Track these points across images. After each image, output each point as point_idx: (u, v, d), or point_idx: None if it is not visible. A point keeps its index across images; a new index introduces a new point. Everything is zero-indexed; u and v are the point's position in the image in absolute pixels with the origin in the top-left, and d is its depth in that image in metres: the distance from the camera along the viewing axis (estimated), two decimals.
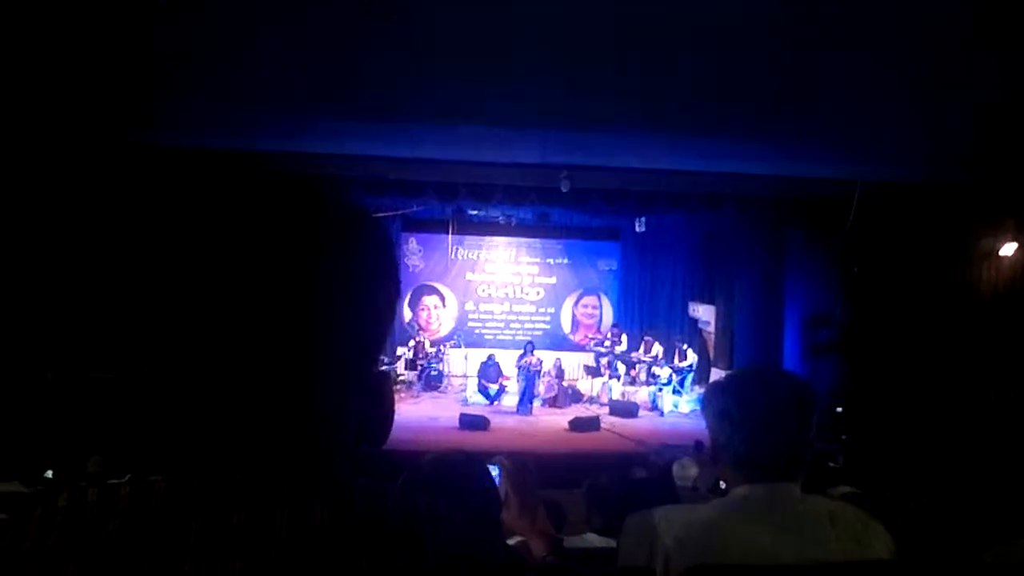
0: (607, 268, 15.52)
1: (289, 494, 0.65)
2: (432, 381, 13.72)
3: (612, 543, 3.18)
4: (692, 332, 14.98)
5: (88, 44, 5.43)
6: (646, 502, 1.68)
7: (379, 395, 0.77)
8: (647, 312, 15.54)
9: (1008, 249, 9.56)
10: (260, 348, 0.67)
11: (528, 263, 15.34)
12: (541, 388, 13.06)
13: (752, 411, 1.60)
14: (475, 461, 1.90)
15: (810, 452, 1.64)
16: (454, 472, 1.81)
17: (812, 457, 1.64)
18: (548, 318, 15.42)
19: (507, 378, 13.29)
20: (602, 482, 3.54)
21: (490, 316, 15.35)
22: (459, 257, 15.15)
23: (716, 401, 1.68)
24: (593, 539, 3.23)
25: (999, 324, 9.21)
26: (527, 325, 15.29)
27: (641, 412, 12.60)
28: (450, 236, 14.64)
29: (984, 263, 9.79)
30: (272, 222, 0.70)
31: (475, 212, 12.84)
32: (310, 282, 0.69)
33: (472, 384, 13.48)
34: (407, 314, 14.92)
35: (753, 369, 2.12)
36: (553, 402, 12.99)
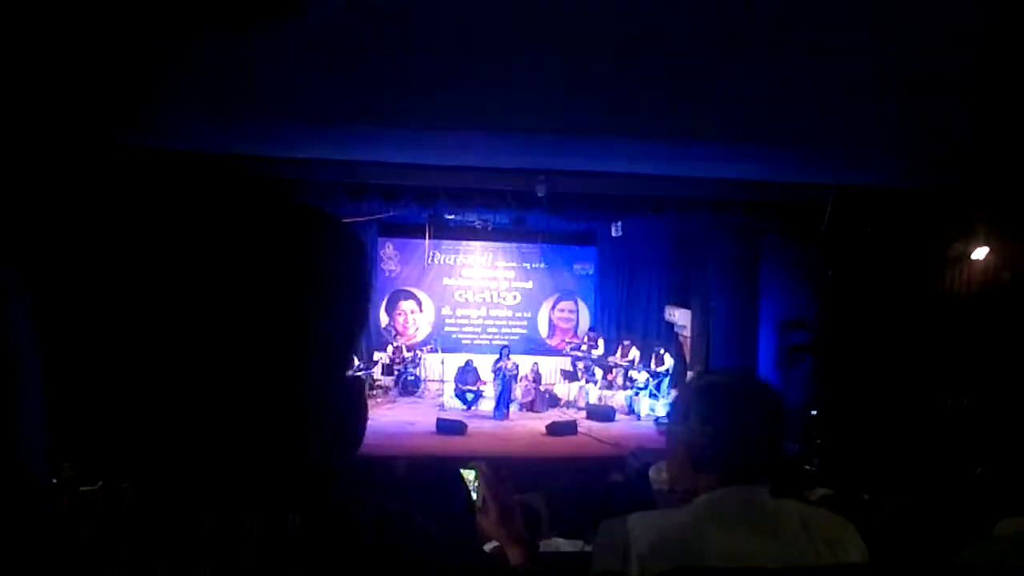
0: (584, 272, 15.53)
1: (262, 501, 0.64)
2: (409, 386, 13.68)
3: (579, 546, 3.19)
4: (668, 336, 15.03)
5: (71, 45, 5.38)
6: (607, 506, 1.69)
7: (352, 400, 0.77)
8: (624, 316, 15.57)
9: (980, 253, 9.67)
10: (233, 354, 0.67)
11: (505, 267, 15.32)
12: (518, 393, 13.06)
13: (720, 413, 1.61)
14: (449, 467, 1.89)
15: (777, 455, 1.65)
16: (428, 479, 1.80)
17: (780, 460, 1.66)
18: (525, 323, 15.41)
19: (484, 383, 13.27)
20: (562, 487, 3.57)
21: (467, 321, 15.31)
22: (436, 262, 15.10)
23: (685, 403, 1.69)
24: (560, 543, 3.24)
25: (971, 327, 9.31)
26: (504, 330, 15.27)
27: (618, 416, 12.64)
28: (427, 241, 14.61)
29: (957, 267, 9.89)
30: (246, 230, 0.69)
31: (452, 217, 12.82)
32: (282, 288, 0.68)
33: (449, 389, 13.46)
34: (384, 319, 14.87)
35: (721, 372, 2.14)
36: (530, 406, 12.99)
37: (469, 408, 12.90)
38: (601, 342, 14.32)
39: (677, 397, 1.75)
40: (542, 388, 13.53)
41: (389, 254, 15.00)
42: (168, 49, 5.52)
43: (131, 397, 0.70)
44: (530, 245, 15.08)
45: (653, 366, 13.53)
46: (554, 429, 11.37)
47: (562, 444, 10.89)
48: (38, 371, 0.57)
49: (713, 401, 1.64)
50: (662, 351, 13.78)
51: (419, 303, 15.20)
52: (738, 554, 1.49)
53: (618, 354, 14.02)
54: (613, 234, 12.41)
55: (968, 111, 6.22)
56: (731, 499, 1.59)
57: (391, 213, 11.96)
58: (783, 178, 9.24)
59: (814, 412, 9.56)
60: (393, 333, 14.72)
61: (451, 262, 15.17)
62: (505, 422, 12.26)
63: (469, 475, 1.84)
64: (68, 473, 5.27)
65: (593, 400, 13.19)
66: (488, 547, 1.91)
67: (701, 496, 1.62)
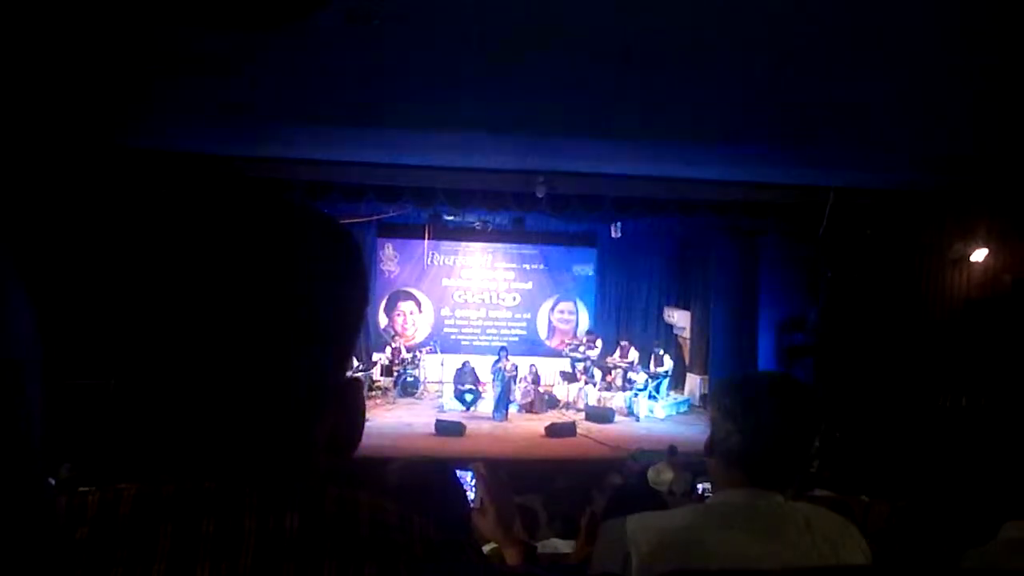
0: (583, 273, 15.53)
1: (259, 501, 0.64)
2: (408, 387, 13.66)
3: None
4: (668, 337, 15.04)
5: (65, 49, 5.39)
6: (607, 506, 1.67)
7: (350, 402, 0.76)
8: (623, 317, 15.56)
9: (979, 254, 9.68)
10: (230, 354, 0.67)
11: (504, 268, 15.31)
12: (517, 394, 13.05)
13: (759, 415, 1.59)
14: (445, 468, 1.88)
15: (805, 467, 1.63)
16: (424, 479, 1.79)
17: (804, 470, 1.64)
18: (524, 324, 15.40)
19: (483, 384, 13.24)
20: (560, 488, 3.58)
21: (466, 322, 15.30)
22: (435, 263, 15.09)
23: (725, 397, 1.66)
24: (558, 544, 3.24)
25: (971, 328, 9.32)
26: (503, 331, 15.25)
27: (617, 417, 12.63)
28: (426, 242, 14.59)
29: (956, 268, 9.90)
30: (241, 229, 0.69)
31: (451, 217, 12.83)
32: (279, 288, 0.68)
33: (448, 390, 13.43)
34: (383, 320, 14.86)
35: (769, 374, 2.12)
36: (529, 408, 12.97)
37: (468, 409, 12.88)
38: (599, 343, 14.30)
39: (722, 388, 1.71)
40: (541, 389, 13.51)
41: (388, 255, 14.99)
42: (171, 51, 5.54)
43: (129, 397, 0.70)
44: (530, 246, 15.07)
45: (652, 367, 13.52)
46: (553, 430, 11.37)
47: (561, 445, 10.90)
48: (38, 371, 0.56)
49: (757, 400, 1.61)
50: (661, 352, 13.78)
51: (418, 304, 15.19)
52: (741, 556, 1.48)
53: (617, 355, 14.01)
54: (613, 235, 12.41)
55: (968, 111, 6.23)
56: (738, 501, 1.58)
57: (390, 214, 11.97)
58: (783, 179, 9.26)
59: None
60: (392, 334, 14.70)
61: (450, 263, 15.16)
62: (504, 423, 12.25)
63: (467, 476, 1.84)
64: (66, 474, 5.27)
65: (592, 401, 13.18)
66: (486, 548, 1.90)
67: (708, 499, 1.61)
